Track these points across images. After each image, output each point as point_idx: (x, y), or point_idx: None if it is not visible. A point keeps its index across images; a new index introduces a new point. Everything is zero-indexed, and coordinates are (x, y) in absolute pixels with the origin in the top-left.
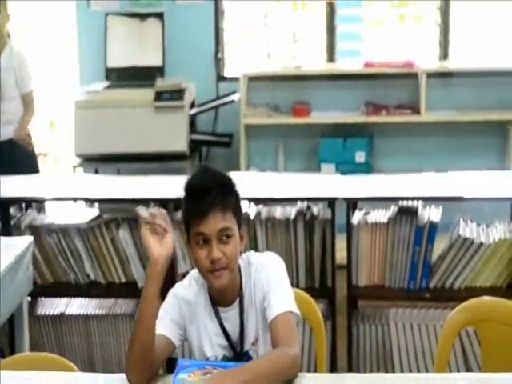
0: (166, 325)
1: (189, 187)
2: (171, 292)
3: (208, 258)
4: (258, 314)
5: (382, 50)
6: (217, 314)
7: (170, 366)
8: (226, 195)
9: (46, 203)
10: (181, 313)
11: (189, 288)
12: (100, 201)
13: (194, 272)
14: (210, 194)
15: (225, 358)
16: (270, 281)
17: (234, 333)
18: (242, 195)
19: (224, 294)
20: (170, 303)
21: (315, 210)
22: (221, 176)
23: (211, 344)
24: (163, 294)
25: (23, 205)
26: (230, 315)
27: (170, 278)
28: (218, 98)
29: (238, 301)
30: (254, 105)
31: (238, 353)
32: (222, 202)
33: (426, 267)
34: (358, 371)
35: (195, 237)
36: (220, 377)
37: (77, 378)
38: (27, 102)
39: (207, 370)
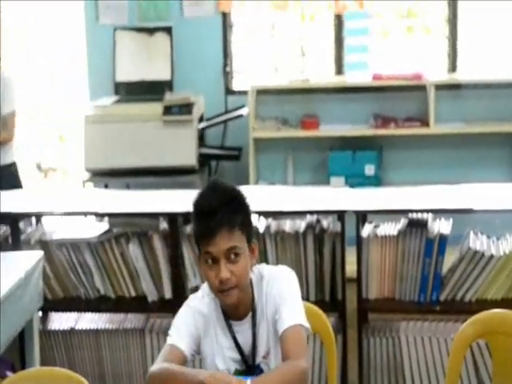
0: (181, 337)
1: (196, 207)
2: (186, 303)
3: (217, 278)
4: (269, 327)
5: (390, 62)
6: (229, 328)
7: None
8: (233, 214)
9: (53, 218)
10: (196, 324)
11: (202, 300)
12: (110, 215)
13: (206, 286)
14: (216, 214)
15: (236, 372)
16: (282, 293)
17: (246, 346)
18: (251, 208)
19: (236, 309)
20: (186, 314)
21: (325, 223)
22: (228, 193)
23: (223, 357)
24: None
25: (33, 220)
26: (243, 329)
27: (180, 292)
28: (227, 111)
29: (250, 314)
30: (262, 118)
31: (249, 366)
32: (229, 222)
33: (436, 280)
34: None
35: (204, 255)
36: None
37: None
38: (4, 123)
39: None
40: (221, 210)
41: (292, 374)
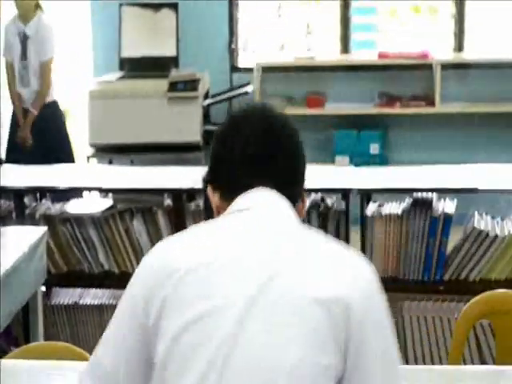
0: None
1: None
2: None
3: None
4: None
5: (396, 40)
6: None
7: None
8: None
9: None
10: None
11: None
12: (114, 191)
13: None
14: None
15: None
16: None
17: None
18: None
19: None
20: None
21: (329, 201)
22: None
23: None
24: None
25: (37, 194)
26: None
27: None
28: (232, 88)
29: None
30: (267, 96)
31: None
32: None
33: (440, 259)
34: None
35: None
36: None
37: None
38: (43, 71)
39: None
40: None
41: None
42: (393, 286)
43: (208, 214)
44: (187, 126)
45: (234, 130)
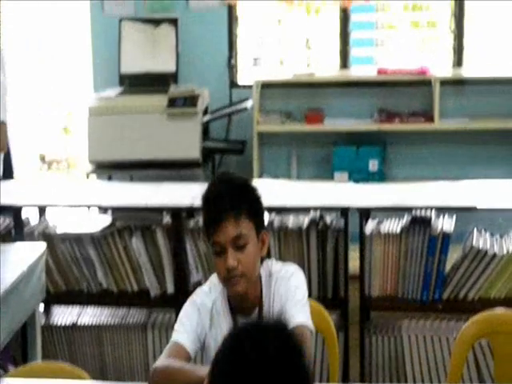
0: (185, 333)
1: (204, 197)
2: (192, 298)
3: (224, 266)
4: None
5: (395, 56)
6: (235, 322)
7: None
8: (239, 201)
9: (57, 210)
10: (200, 319)
11: (209, 294)
12: (113, 208)
13: (214, 277)
14: (221, 202)
15: None
16: (289, 292)
17: None
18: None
19: (243, 302)
20: (191, 309)
21: (328, 219)
22: (235, 182)
23: None
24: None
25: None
26: None
27: (183, 287)
28: (232, 104)
29: (257, 310)
30: (267, 112)
31: None
32: (235, 209)
33: (439, 278)
34: (371, 382)
35: (213, 246)
36: None
37: None
38: None
39: None
40: (227, 198)
41: None
42: (391, 304)
43: None
44: (186, 142)
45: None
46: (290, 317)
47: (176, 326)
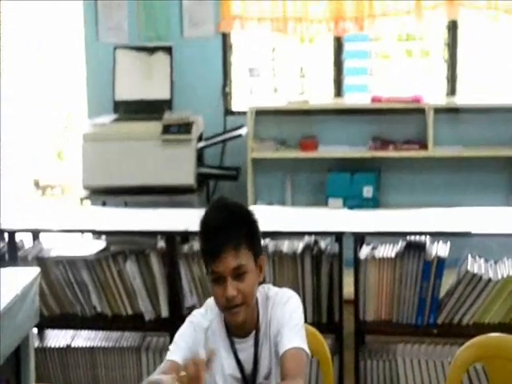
0: (179, 351)
1: (202, 225)
2: (188, 319)
3: (223, 296)
4: (271, 349)
5: (389, 84)
6: (232, 345)
7: None
8: (239, 232)
9: (51, 235)
10: (195, 337)
11: (205, 315)
12: (107, 233)
13: (211, 300)
14: (221, 233)
15: None
16: (285, 316)
17: (247, 364)
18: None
19: (241, 326)
20: (186, 329)
21: (323, 244)
22: (234, 211)
23: (223, 374)
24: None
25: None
26: (245, 347)
27: (177, 311)
28: (226, 131)
29: (253, 333)
30: (261, 139)
31: None
32: (234, 241)
33: (433, 303)
34: None
35: (211, 274)
36: None
37: None
38: None
39: None
40: (226, 229)
41: None
42: (386, 329)
43: None
44: (181, 168)
45: None
46: (287, 340)
47: (170, 347)
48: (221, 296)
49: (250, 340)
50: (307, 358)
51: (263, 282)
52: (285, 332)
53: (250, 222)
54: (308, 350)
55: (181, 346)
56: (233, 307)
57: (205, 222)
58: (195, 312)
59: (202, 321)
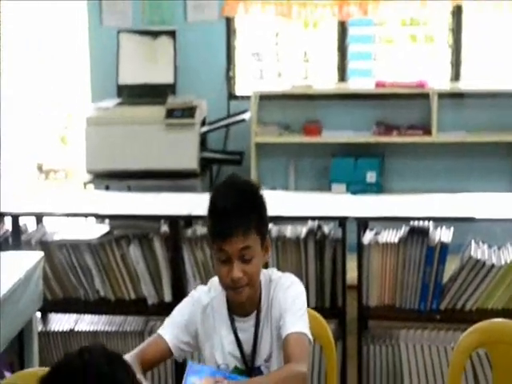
0: (171, 327)
1: (212, 206)
2: (190, 294)
3: (229, 276)
4: (273, 332)
5: (393, 69)
6: (232, 322)
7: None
8: (249, 215)
9: (54, 219)
10: (193, 313)
11: (208, 293)
12: (111, 217)
13: (216, 279)
14: (232, 216)
15: (236, 369)
16: (288, 301)
17: (247, 345)
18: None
19: (243, 305)
20: (185, 303)
21: (326, 229)
22: (245, 192)
23: (223, 352)
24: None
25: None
26: (246, 326)
27: (180, 295)
28: (229, 116)
29: (255, 313)
30: (264, 123)
31: (249, 366)
32: (244, 224)
33: (437, 288)
34: None
35: (218, 252)
36: None
37: None
38: None
39: (218, 379)
40: (237, 213)
41: (292, 378)
42: (389, 314)
43: None
44: (184, 152)
45: None
46: (290, 324)
47: (166, 320)
48: (225, 276)
49: (251, 320)
50: (310, 344)
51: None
52: (288, 317)
53: (260, 204)
54: (311, 336)
55: (175, 322)
56: (237, 288)
57: (215, 203)
58: (199, 287)
59: (203, 297)
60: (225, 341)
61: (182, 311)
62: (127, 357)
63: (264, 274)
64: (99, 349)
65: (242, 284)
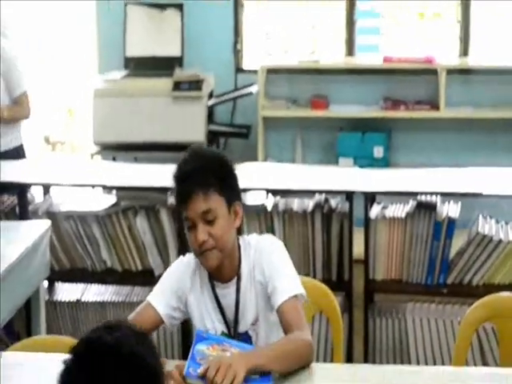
0: (160, 295)
1: (174, 172)
2: (179, 259)
3: (196, 241)
4: (257, 294)
5: (401, 45)
6: (213, 289)
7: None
8: (207, 176)
9: (61, 190)
10: (183, 278)
11: (188, 263)
12: (118, 188)
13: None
14: (190, 179)
15: (223, 334)
16: (273, 265)
17: (229, 310)
18: (258, 186)
19: (220, 271)
20: (175, 269)
21: (333, 202)
22: (204, 158)
23: (211, 318)
24: None
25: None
26: (228, 292)
27: None
28: (237, 89)
29: (235, 279)
30: (272, 97)
31: (232, 332)
32: (202, 185)
33: (444, 263)
34: (374, 364)
35: (185, 221)
36: (239, 358)
37: None
38: (20, 103)
39: (226, 347)
40: (195, 174)
41: (301, 346)
42: (396, 288)
43: None
44: (191, 125)
45: None
46: (280, 293)
47: (156, 286)
48: (194, 242)
49: (232, 286)
50: (304, 299)
51: (240, 229)
52: (277, 283)
53: (222, 168)
54: (303, 291)
55: (164, 288)
56: (205, 251)
57: (176, 169)
58: (179, 259)
59: (192, 262)
60: (210, 308)
61: (171, 276)
62: None
63: (243, 240)
64: (127, 327)
65: (207, 247)
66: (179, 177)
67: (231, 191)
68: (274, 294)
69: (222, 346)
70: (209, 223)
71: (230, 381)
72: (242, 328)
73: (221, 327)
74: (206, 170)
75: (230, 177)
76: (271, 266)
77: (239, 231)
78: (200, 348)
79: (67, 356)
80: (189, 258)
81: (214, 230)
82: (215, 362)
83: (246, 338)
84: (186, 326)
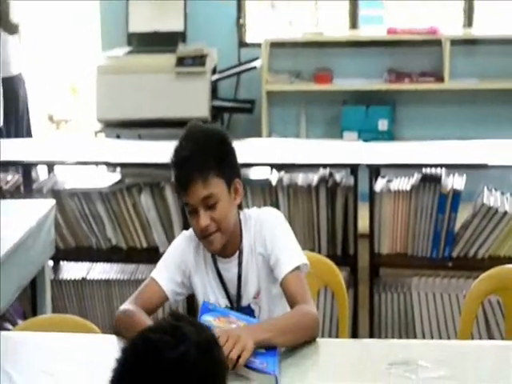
0: (164, 271)
1: (172, 157)
2: (183, 232)
3: (198, 226)
4: (259, 268)
5: (405, 16)
6: (215, 264)
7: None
8: (205, 161)
9: (65, 168)
10: (187, 251)
11: (191, 237)
12: (122, 165)
13: None
14: (188, 164)
15: (227, 308)
16: (274, 237)
17: (232, 284)
18: (263, 161)
19: (223, 250)
20: (179, 242)
21: (337, 176)
22: (201, 139)
23: (214, 292)
24: None
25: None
26: (230, 267)
27: None
28: (240, 64)
29: (237, 254)
30: (275, 71)
31: (234, 306)
32: (201, 171)
33: (449, 236)
34: (380, 338)
35: (185, 206)
36: (247, 331)
37: (99, 339)
38: None
39: (232, 319)
40: (192, 160)
41: (307, 320)
42: (401, 262)
43: None
44: (195, 101)
45: None
46: (284, 265)
47: (159, 262)
48: (196, 226)
49: (234, 260)
50: (307, 268)
51: (241, 205)
52: (279, 255)
53: (218, 147)
54: (306, 260)
55: (168, 263)
56: (208, 236)
57: (174, 154)
58: (182, 233)
59: (189, 241)
60: (213, 282)
61: (174, 251)
62: (132, 307)
63: (243, 214)
64: (192, 331)
65: (210, 231)
66: (177, 162)
67: (230, 170)
68: (277, 266)
69: (228, 318)
70: (210, 208)
71: (239, 352)
72: (244, 302)
73: (224, 302)
74: (204, 154)
75: (228, 155)
76: (273, 238)
77: (240, 206)
78: (206, 319)
79: (122, 359)
80: (191, 232)
81: (216, 214)
82: (223, 333)
83: (248, 311)
84: (191, 302)
